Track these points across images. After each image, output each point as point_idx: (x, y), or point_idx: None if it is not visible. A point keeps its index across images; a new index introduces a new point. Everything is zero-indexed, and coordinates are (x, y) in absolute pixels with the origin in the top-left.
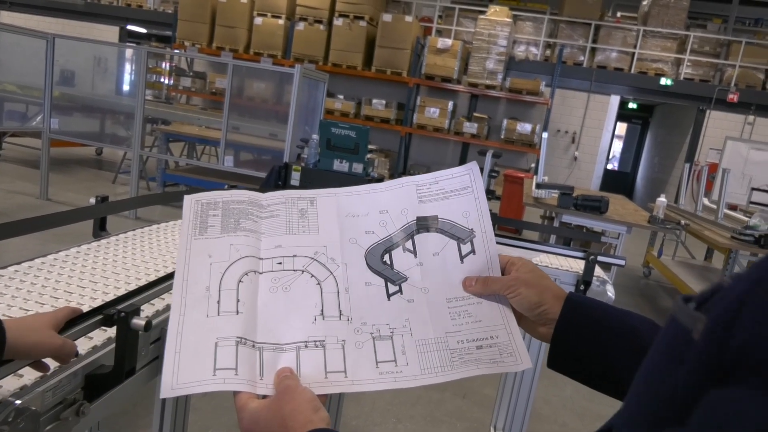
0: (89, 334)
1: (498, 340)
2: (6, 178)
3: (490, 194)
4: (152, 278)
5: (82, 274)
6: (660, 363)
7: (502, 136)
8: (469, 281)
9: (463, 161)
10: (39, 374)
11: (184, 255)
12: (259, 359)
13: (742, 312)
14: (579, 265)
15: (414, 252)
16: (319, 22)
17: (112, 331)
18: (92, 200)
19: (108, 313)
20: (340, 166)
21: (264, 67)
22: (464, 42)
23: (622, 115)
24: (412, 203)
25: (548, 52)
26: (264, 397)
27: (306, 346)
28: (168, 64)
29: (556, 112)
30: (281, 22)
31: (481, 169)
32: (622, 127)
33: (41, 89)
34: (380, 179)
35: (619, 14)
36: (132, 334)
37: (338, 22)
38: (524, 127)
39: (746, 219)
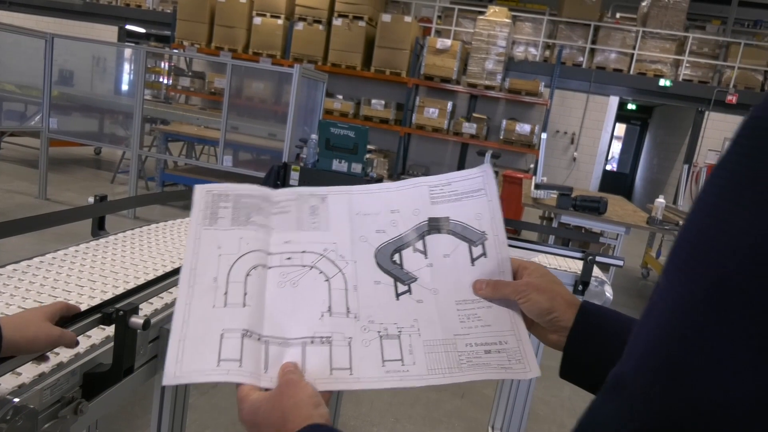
0: (88, 333)
1: (507, 345)
2: (4, 177)
3: None
4: (151, 277)
5: (80, 273)
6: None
7: (501, 137)
8: (479, 284)
9: (462, 162)
10: (37, 372)
11: (193, 244)
12: (264, 353)
13: None
14: (577, 266)
15: (425, 252)
16: (318, 22)
17: (110, 330)
18: (91, 199)
19: (106, 312)
20: (339, 166)
21: (263, 67)
22: (463, 42)
23: (621, 116)
24: (424, 204)
25: (547, 52)
26: (267, 390)
27: (312, 342)
28: (167, 64)
29: (555, 113)
30: (280, 22)
31: None
32: (621, 128)
33: (40, 89)
34: (379, 179)
35: (618, 15)
36: (130, 332)
37: (337, 22)
38: (523, 128)
39: None
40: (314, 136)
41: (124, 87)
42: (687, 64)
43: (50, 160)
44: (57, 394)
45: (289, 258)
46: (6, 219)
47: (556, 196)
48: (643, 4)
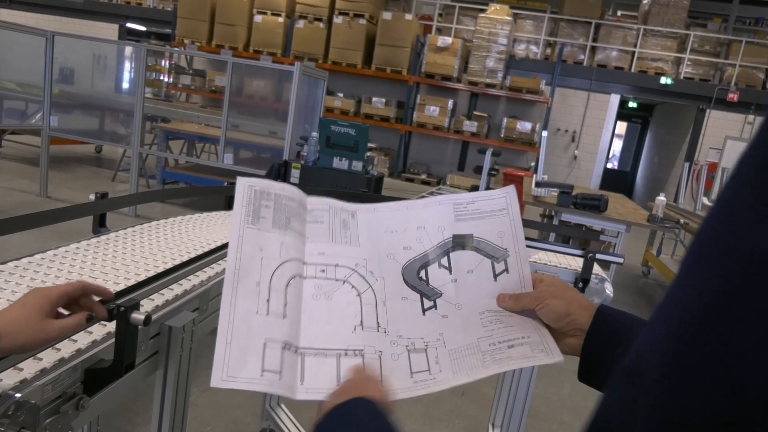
0: (89, 329)
1: (530, 339)
2: (5, 175)
3: None
4: (151, 274)
5: (81, 270)
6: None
7: (502, 135)
8: (502, 298)
9: (462, 160)
10: (39, 368)
11: (237, 242)
12: (300, 365)
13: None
14: (578, 263)
15: (449, 269)
16: (319, 20)
17: (111, 326)
18: (92, 197)
19: (107, 308)
20: (339, 163)
21: (263, 64)
22: (464, 40)
23: (622, 114)
24: (449, 221)
25: (548, 50)
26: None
27: (346, 354)
28: (167, 62)
29: (556, 111)
30: (281, 19)
31: (481, 168)
32: (622, 126)
33: (41, 87)
34: (380, 177)
35: (619, 13)
36: (131, 328)
37: (338, 20)
38: (524, 126)
39: None
40: (315, 134)
41: (125, 85)
42: (688, 62)
43: (51, 158)
44: (58, 390)
45: (323, 270)
46: (7, 217)
47: (556, 194)
48: (644, 1)
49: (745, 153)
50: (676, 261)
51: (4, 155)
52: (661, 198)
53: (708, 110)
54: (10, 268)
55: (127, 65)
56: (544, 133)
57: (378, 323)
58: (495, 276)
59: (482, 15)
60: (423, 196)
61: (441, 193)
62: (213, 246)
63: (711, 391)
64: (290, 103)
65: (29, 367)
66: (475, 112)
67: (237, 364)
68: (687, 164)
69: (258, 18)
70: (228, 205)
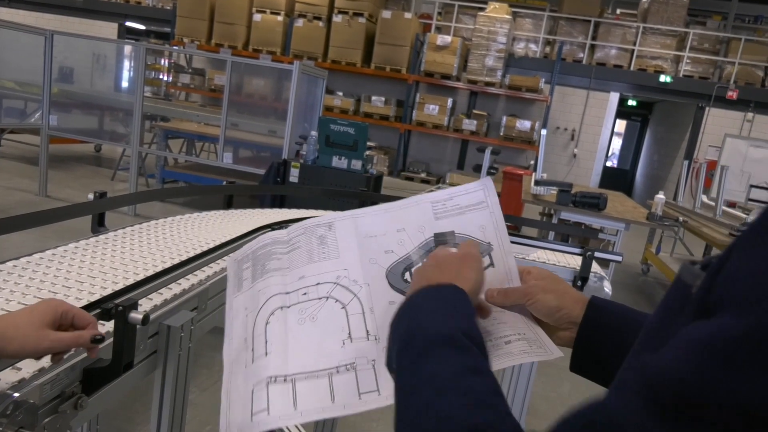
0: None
1: (525, 336)
2: (5, 175)
3: None
4: (150, 273)
5: (80, 269)
6: (662, 315)
7: (502, 133)
8: (490, 293)
9: (462, 158)
10: (37, 368)
11: (229, 315)
12: (292, 391)
13: (730, 255)
14: (576, 262)
15: None
16: (318, 18)
17: (110, 325)
18: (90, 196)
19: (106, 307)
20: (338, 162)
21: (263, 63)
22: (463, 39)
23: (622, 112)
24: (428, 220)
25: (548, 49)
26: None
27: (338, 371)
28: (167, 61)
29: (556, 109)
30: (280, 18)
31: (480, 167)
32: (621, 125)
33: (40, 86)
34: (379, 176)
35: (618, 11)
36: (130, 327)
37: (337, 18)
38: (523, 124)
39: (744, 216)
40: (314, 133)
41: (124, 84)
42: (687, 60)
43: (50, 158)
44: (57, 389)
45: (305, 293)
46: (6, 216)
47: (556, 192)
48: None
49: None
50: (676, 259)
51: (4, 154)
52: (660, 196)
53: (707, 108)
54: (8, 267)
55: (126, 64)
56: (544, 132)
57: (367, 332)
58: None
59: (481, 13)
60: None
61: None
62: (212, 245)
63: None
64: (289, 102)
65: (28, 367)
66: (475, 111)
67: (234, 420)
68: (686, 162)
69: (257, 17)
70: (228, 204)
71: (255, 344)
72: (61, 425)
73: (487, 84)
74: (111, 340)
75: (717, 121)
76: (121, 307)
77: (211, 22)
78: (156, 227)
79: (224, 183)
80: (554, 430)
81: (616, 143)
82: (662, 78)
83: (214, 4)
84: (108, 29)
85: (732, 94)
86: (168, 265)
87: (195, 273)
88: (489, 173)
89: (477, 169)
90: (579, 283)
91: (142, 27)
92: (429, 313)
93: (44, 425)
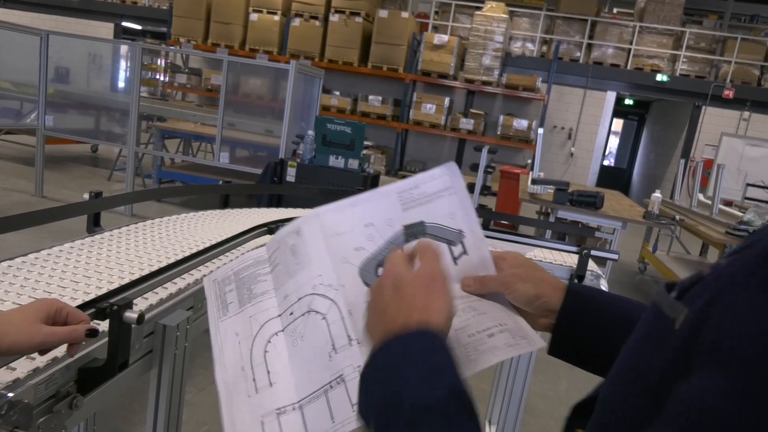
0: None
1: (507, 326)
2: (0, 175)
3: (486, 190)
4: (146, 272)
5: (75, 269)
6: (642, 345)
7: (499, 132)
8: (466, 281)
9: (459, 157)
10: (32, 367)
11: (216, 338)
12: (301, 417)
13: (714, 307)
14: (573, 260)
15: None
16: (315, 18)
17: (105, 325)
18: (86, 196)
19: (100, 307)
20: (335, 162)
21: (259, 63)
22: (460, 38)
23: (618, 111)
24: (396, 212)
25: (545, 48)
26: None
27: (331, 387)
28: (163, 61)
29: (553, 108)
30: (277, 18)
31: (477, 165)
32: (618, 123)
33: (36, 86)
34: (376, 175)
35: (615, 10)
36: (125, 327)
37: (334, 18)
38: (520, 123)
39: (741, 214)
40: (311, 133)
41: (121, 84)
42: (684, 59)
43: (47, 158)
44: (52, 389)
45: (291, 313)
46: (1, 216)
47: (553, 191)
48: None
49: None
50: (672, 257)
51: None
52: (657, 195)
53: (704, 107)
54: (3, 267)
55: (122, 64)
56: (541, 131)
57: (349, 337)
58: (455, 260)
59: (478, 13)
60: None
61: None
62: (208, 244)
63: None
64: (286, 102)
65: (22, 367)
66: (472, 110)
67: None
68: (683, 161)
69: (254, 16)
70: (224, 204)
71: (256, 374)
72: (56, 425)
73: (484, 83)
74: (106, 339)
75: (713, 120)
76: (116, 307)
77: (207, 22)
78: (152, 227)
79: (221, 183)
80: None
81: (613, 142)
82: (659, 77)
83: (211, 3)
84: (104, 29)
85: (728, 93)
86: (164, 264)
87: (191, 272)
88: (486, 172)
89: (474, 168)
90: (575, 281)
91: (138, 27)
92: (407, 379)
93: (39, 425)
